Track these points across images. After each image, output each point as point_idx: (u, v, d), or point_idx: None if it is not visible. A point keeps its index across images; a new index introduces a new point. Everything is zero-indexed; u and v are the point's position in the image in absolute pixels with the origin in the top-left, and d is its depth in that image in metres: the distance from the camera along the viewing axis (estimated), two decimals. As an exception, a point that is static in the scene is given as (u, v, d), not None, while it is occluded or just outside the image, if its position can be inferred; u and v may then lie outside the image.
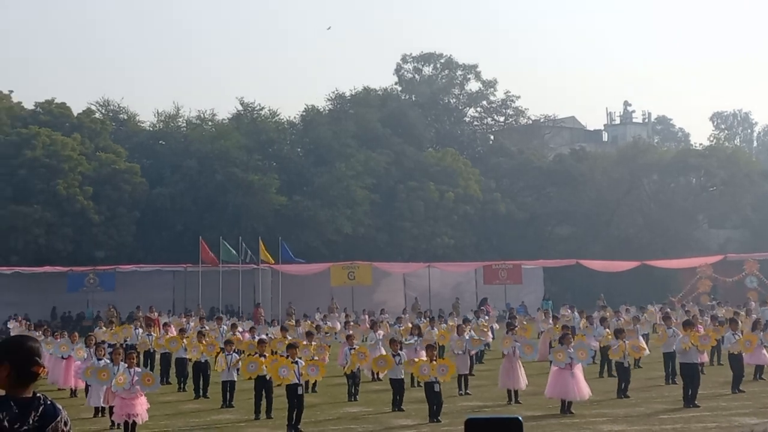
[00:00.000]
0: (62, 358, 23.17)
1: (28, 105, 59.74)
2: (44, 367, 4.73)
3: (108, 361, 18.10)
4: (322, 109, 64.76)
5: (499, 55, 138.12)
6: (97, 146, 56.08)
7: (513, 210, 61.80)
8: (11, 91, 59.24)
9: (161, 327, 31.46)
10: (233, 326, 30.07)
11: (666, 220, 61.51)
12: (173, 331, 28.75)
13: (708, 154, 66.62)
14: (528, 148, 70.23)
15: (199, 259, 47.27)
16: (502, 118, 78.48)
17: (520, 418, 3.63)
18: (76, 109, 59.91)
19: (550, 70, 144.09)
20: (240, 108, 63.69)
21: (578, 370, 17.98)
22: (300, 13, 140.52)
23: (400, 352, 19.54)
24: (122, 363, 16.91)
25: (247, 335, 28.30)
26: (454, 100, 77.29)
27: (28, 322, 37.91)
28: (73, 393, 22.58)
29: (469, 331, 24.91)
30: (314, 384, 21.61)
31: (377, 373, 24.02)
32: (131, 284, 47.77)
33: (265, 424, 17.40)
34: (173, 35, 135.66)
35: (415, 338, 24.01)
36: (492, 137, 77.80)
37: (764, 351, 21.95)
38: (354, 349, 20.68)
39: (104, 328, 31.61)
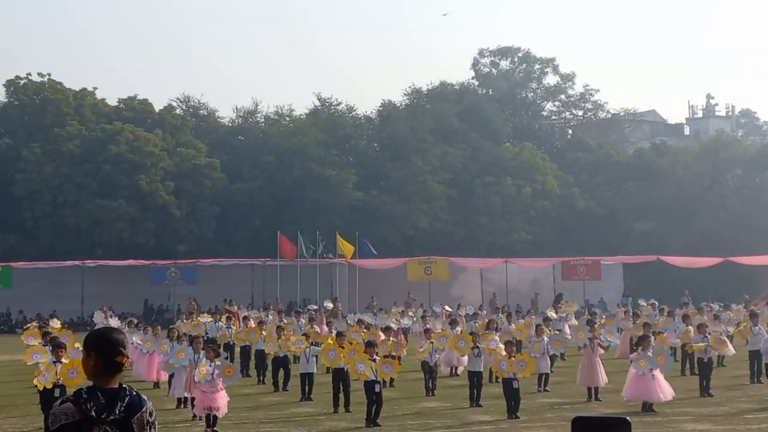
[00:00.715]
0: (147, 353, 23.59)
1: (112, 101, 61.13)
2: (128, 358, 4.82)
3: (190, 351, 18.42)
4: (398, 104, 64.76)
5: (578, 48, 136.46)
6: (178, 142, 57.13)
7: (592, 205, 61.03)
8: (95, 88, 60.59)
9: (241, 320, 31.85)
10: (311, 320, 30.30)
11: (750, 215, 59.96)
12: (252, 325, 29.09)
13: (794, 147, 64.79)
14: (607, 142, 69.18)
15: (278, 253, 47.80)
16: (580, 112, 77.42)
17: (629, 419, 3.56)
18: (158, 105, 61.23)
19: (630, 63, 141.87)
20: (317, 103, 64.16)
21: (658, 372, 17.60)
22: (376, 8, 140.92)
23: (478, 345, 19.48)
24: (202, 352, 17.20)
25: (325, 328, 28.52)
26: (532, 94, 76.49)
27: (112, 314, 38.72)
28: (156, 385, 23.01)
29: (549, 331, 24.53)
30: (392, 379, 21.65)
31: (455, 368, 24.01)
32: (211, 278, 48.57)
33: (343, 418, 17.49)
34: (252, 31, 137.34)
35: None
36: (570, 131, 76.85)
37: None
38: (432, 342, 20.67)
39: (185, 321, 32.13)
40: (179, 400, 19.08)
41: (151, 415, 4.79)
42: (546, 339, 21.74)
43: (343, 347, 18.31)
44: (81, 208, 51.73)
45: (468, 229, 57.44)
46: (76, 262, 48.64)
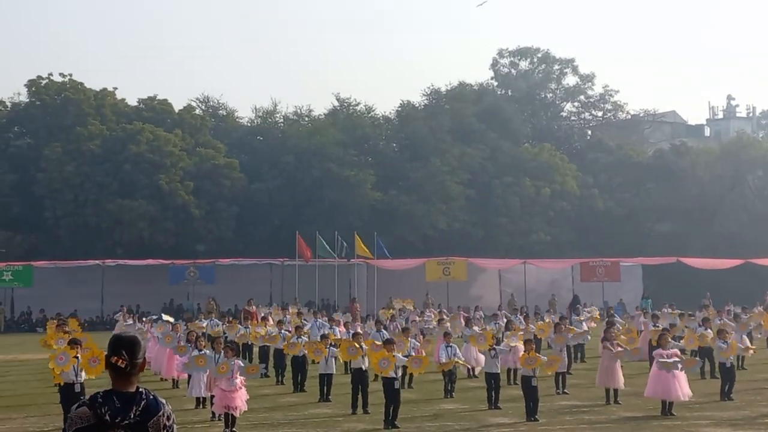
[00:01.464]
0: (165, 347, 23.58)
1: (132, 101, 61.49)
2: (123, 359, 4.73)
3: (210, 351, 18.47)
4: (417, 105, 64.72)
5: (597, 49, 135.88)
6: (198, 142, 57.37)
7: (611, 206, 60.82)
8: (116, 88, 60.95)
9: (259, 320, 31.90)
10: (330, 320, 30.29)
11: (772, 217, 59.57)
12: (271, 324, 29.11)
13: (817, 148, 64.31)
14: (627, 143, 68.90)
15: (296, 253, 47.88)
16: (600, 113, 77.15)
17: None
18: (178, 105, 61.49)
19: (650, 63, 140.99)
20: (336, 104, 64.25)
21: (679, 371, 17.52)
22: (395, 8, 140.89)
23: (495, 347, 19.44)
24: (222, 352, 17.28)
25: (343, 329, 28.49)
26: (551, 94, 76.29)
27: (131, 314, 38.89)
28: (176, 384, 23.07)
29: (567, 328, 24.50)
30: (410, 380, 21.66)
31: (473, 370, 23.96)
32: (230, 277, 48.71)
33: (362, 419, 17.48)
34: (270, 32, 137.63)
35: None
36: (590, 132, 76.57)
37: None
38: (451, 346, 20.62)
39: (204, 321, 32.17)
40: (198, 399, 19.14)
41: (168, 419, 4.79)
42: (570, 335, 21.90)
43: (361, 348, 18.32)
44: (102, 208, 52.03)
45: (486, 229, 57.36)
46: (97, 262, 48.91)
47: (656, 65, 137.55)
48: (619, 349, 19.63)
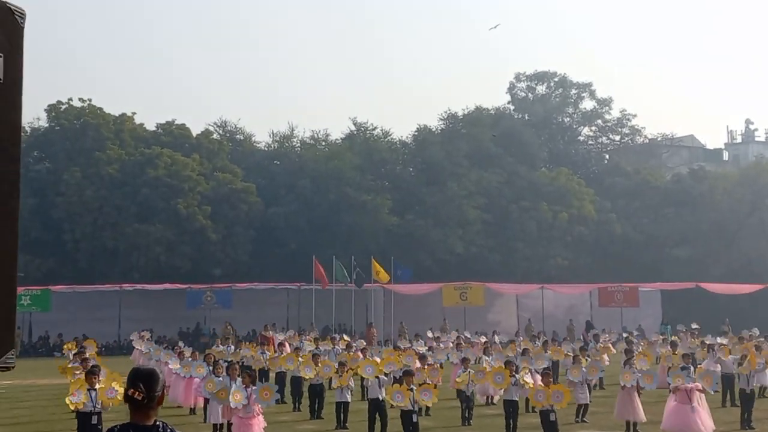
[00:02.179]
0: (184, 377, 23.60)
1: (150, 126, 61.78)
2: (141, 392, 4.64)
3: (225, 377, 18.43)
4: (434, 129, 64.78)
5: (614, 73, 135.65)
6: (215, 166, 57.57)
7: (629, 231, 60.53)
8: (134, 113, 61.28)
9: (276, 346, 31.81)
10: (348, 346, 30.20)
11: (792, 242, 59.19)
12: (288, 350, 29.03)
13: (837, 173, 63.85)
14: (645, 167, 68.66)
15: (313, 278, 47.87)
16: (617, 137, 77.02)
17: None
18: (195, 130, 61.75)
19: (667, 87, 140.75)
20: (353, 128, 64.36)
21: (698, 404, 17.24)
22: (412, 33, 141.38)
23: (515, 374, 19.26)
24: (238, 379, 17.22)
25: (360, 355, 28.38)
26: (568, 119, 76.26)
27: (149, 339, 38.92)
28: (193, 411, 23.01)
29: (587, 359, 24.22)
30: (428, 407, 21.52)
31: (491, 398, 23.80)
32: (247, 302, 48.70)
33: (379, 447, 17.37)
34: (288, 58, 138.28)
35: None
36: (607, 157, 76.41)
37: None
38: (469, 371, 20.46)
39: (221, 347, 32.16)
40: (215, 426, 19.05)
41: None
42: (584, 369, 21.39)
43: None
44: (120, 231, 52.24)
45: (504, 254, 57.17)
46: (114, 287, 49.03)
47: (674, 89, 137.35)
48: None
